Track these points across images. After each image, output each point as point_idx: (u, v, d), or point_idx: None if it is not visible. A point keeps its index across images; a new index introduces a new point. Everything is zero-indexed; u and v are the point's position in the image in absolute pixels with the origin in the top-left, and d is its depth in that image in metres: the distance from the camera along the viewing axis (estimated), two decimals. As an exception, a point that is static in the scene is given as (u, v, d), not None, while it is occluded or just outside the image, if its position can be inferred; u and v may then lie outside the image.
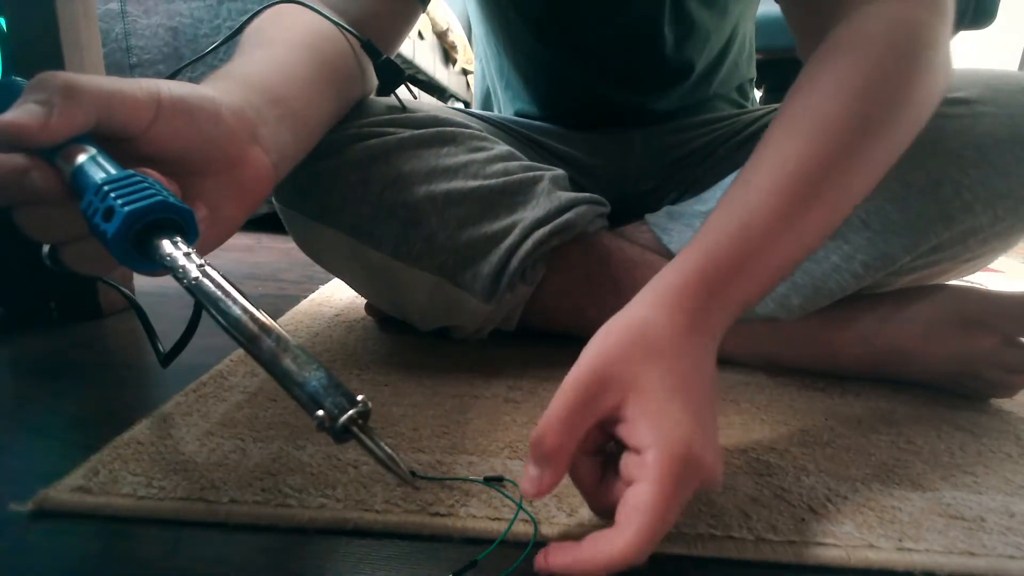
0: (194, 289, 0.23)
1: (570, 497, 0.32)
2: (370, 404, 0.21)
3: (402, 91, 0.54)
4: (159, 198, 0.23)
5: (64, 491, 0.31)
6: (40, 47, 0.57)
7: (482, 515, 0.31)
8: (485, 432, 0.39)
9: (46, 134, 0.24)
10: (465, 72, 2.30)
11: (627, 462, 0.27)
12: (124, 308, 0.65)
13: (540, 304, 0.54)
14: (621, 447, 0.28)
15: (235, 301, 0.22)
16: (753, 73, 0.74)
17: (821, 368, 0.52)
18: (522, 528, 0.30)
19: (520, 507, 0.31)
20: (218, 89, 0.32)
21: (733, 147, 0.62)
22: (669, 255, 0.54)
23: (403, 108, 0.54)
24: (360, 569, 0.28)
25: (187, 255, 0.23)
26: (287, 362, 0.21)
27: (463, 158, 0.51)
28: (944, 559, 0.29)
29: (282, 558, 0.28)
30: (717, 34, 0.64)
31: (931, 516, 0.32)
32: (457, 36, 2.04)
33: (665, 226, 0.56)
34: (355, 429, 0.20)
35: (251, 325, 0.22)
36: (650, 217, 0.58)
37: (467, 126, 0.55)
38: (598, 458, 0.30)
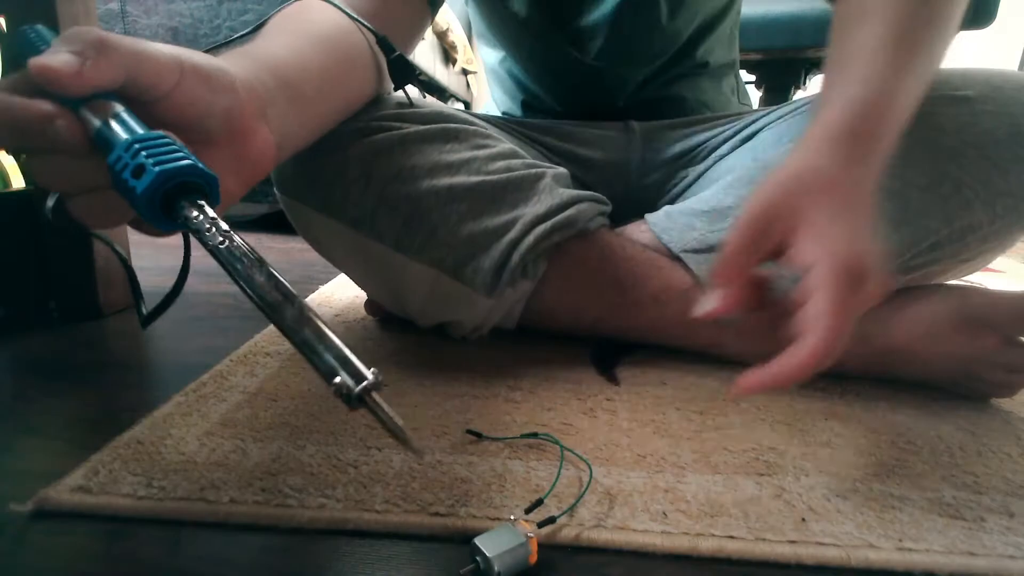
0: (218, 252, 0.23)
1: (570, 498, 0.32)
2: (381, 377, 0.22)
3: (411, 89, 0.55)
4: (189, 162, 0.24)
5: (64, 491, 0.31)
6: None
7: (482, 515, 0.31)
8: (485, 432, 0.39)
9: (78, 82, 0.24)
10: (465, 72, 2.30)
11: (799, 288, 0.31)
12: (124, 308, 0.65)
13: (541, 301, 0.54)
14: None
15: (259, 268, 0.23)
16: (735, 56, 0.77)
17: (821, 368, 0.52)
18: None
19: (563, 452, 0.31)
20: (233, 64, 0.33)
21: (734, 145, 0.63)
22: (669, 254, 0.54)
23: (411, 104, 0.54)
24: (360, 569, 0.28)
25: (212, 220, 0.24)
26: (307, 331, 0.22)
27: (466, 154, 0.51)
28: (944, 559, 0.29)
29: (282, 558, 0.28)
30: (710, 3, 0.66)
31: (931, 516, 0.32)
32: (457, 36, 2.04)
33: (665, 225, 0.56)
34: (368, 399, 0.21)
35: (274, 292, 0.22)
36: (650, 217, 0.58)
37: (471, 123, 0.55)
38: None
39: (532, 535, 0.27)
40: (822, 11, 1.23)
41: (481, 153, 0.52)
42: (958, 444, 0.41)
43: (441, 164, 0.50)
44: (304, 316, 0.22)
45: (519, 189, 0.51)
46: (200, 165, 0.24)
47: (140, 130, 0.25)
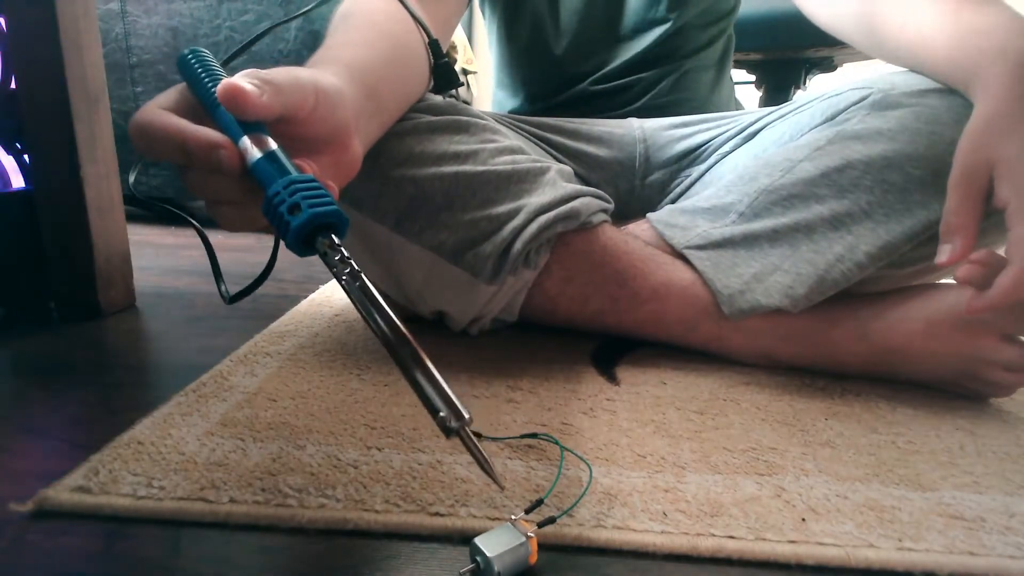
0: (349, 289, 0.28)
1: (570, 498, 0.32)
2: (471, 417, 0.26)
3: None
4: (334, 207, 0.28)
5: (64, 491, 0.31)
6: (40, 47, 0.57)
7: (482, 515, 0.31)
8: (485, 432, 0.39)
9: (260, 108, 0.29)
10: (465, 72, 2.29)
11: (1005, 217, 0.38)
12: (124, 308, 0.65)
13: (542, 293, 0.54)
14: None
15: (381, 307, 0.27)
16: (731, 54, 0.79)
17: (821, 366, 0.52)
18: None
19: (562, 455, 0.31)
20: (336, 75, 0.35)
21: (736, 144, 0.63)
22: (671, 250, 0.55)
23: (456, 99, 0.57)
24: (360, 569, 0.28)
25: (347, 259, 0.28)
26: (419, 371, 0.26)
27: (474, 146, 0.52)
28: (944, 559, 0.29)
29: (282, 558, 0.28)
30: None
31: (931, 516, 0.32)
32: (457, 36, 2.04)
33: (667, 222, 0.56)
34: (463, 433, 0.25)
35: (393, 331, 0.27)
36: (652, 215, 0.59)
37: (481, 118, 0.56)
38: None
39: (532, 535, 0.27)
40: (822, 11, 1.23)
41: (488, 146, 0.53)
42: (958, 444, 0.41)
43: (449, 153, 0.51)
44: (417, 356, 0.26)
45: (524, 180, 0.52)
46: (339, 209, 0.28)
47: (292, 169, 0.29)
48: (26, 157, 0.63)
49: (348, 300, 0.70)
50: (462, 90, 2.35)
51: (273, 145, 0.30)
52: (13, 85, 0.59)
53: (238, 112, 0.29)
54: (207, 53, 0.34)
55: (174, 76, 1.16)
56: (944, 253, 0.40)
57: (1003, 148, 0.38)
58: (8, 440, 0.38)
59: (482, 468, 0.26)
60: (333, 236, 0.28)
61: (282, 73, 0.31)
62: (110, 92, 0.65)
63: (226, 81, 0.28)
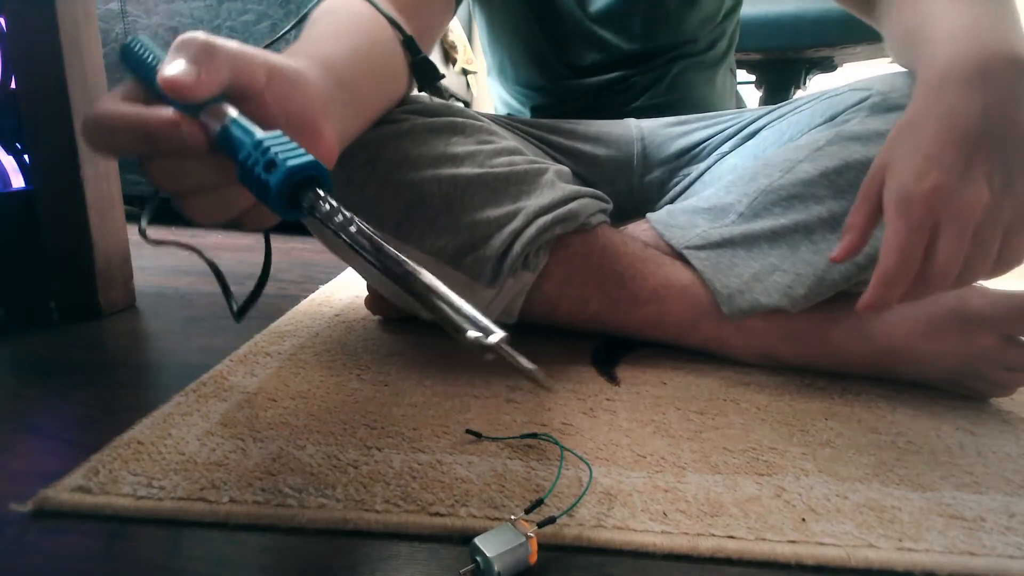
0: (347, 234, 0.26)
1: (570, 498, 0.32)
2: (504, 332, 0.25)
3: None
4: (311, 157, 0.26)
5: (64, 491, 0.31)
6: (40, 47, 0.57)
7: (482, 515, 0.31)
8: (485, 432, 0.39)
9: (200, 89, 0.27)
10: (465, 72, 2.29)
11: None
12: (124, 308, 0.65)
13: (541, 294, 0.54)
14: None
15: (382, 247, 0.26)
16: (733, 52, 0.79)
17: (821, 366, 0.52)
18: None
19: (561, 456, 0.31)
20: (302, 64, 0.34)
21: (735, 144, 0.63)
22: (671, 251, 0.55)
23: (439, 99, 0.56)
24: (360, 569, 0.28)
25: (336, 207, 0.27)
26: (437, 297, 0.26)
27: (471, 148, 0.52)
28: (944, 559, 0.29)
29: (282, 558, 0.28)
30: None
31: (931, 516, 0.32)
32: (457, 36, 2.04)
33: (667, 223, 0.56)
34: (498, 348, 0.25)
35: (401, 266, 0.26)
36: (651, 215, 0.59)
37: (477, 119, 0.56)
38: None
39: (532, 535, 0.27)
40: (822, 11, 1.23)
41: (486, 147, 0.52)
42: (958, 444, 0.41)
43: (446, 155, 0.51)
44: (432, 285, 0.26)
45: (522, 182, 0.52)
46: (318, 161, 0.27)
47: (258, 131, 0.27)
48: (26, 157, 0.63)
49: (347, 300, 0.71)
50: (462, 90, 2.35)
51: (234, 112, 0.28)
52: (13, 85, 0.60)
53: (181, 99, 0.27)
54: (147, 40, 0.32)
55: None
56: (835, 249, 0.40)
57: (893, 153, 0.38)
58: (8, 440, 0.38)
59: (528, 378, 0.26)
60: (318, 189, 0.27)
61: (231, 44, 0.29)
62: (110, 92, 0.65)
63: (160, 74, 0.27)
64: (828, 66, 1.39)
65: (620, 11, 0.69)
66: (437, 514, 0.30)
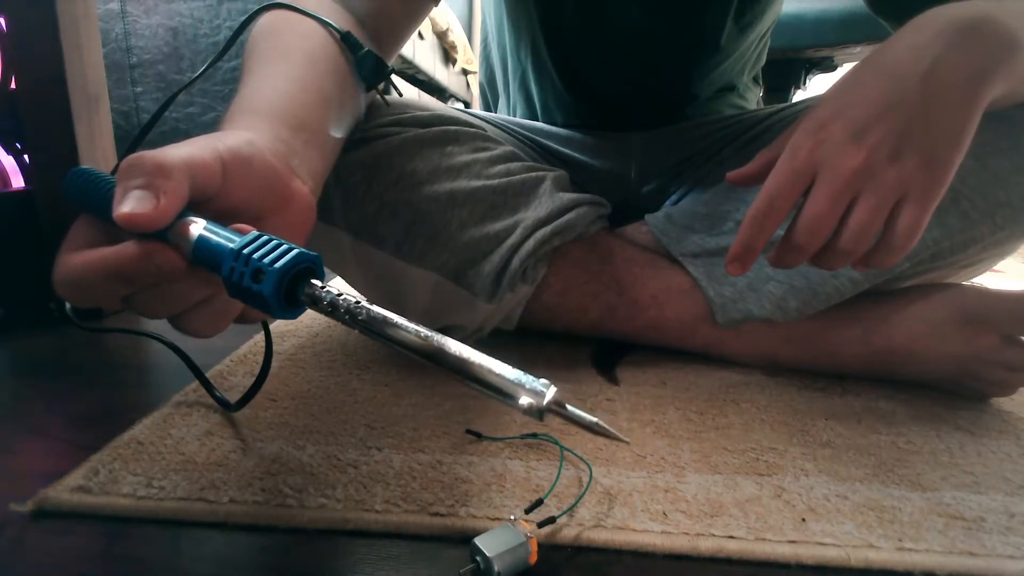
0: (358, 322, 0.24)
1: (570, 498, 0.32)
2: (555, 388, 0.23)
3: (412, 90, 0.54)
4: (296, 251, 0.25)
5: (64, 491, 0.31)
6: (40, 47, 0.57)
7: (482, 515, 0.31)
8: (485, 432, 0.39)
9: (162, 217, 0.25)
10: (465, 72, 2.29)
11: None
12: (124, 308, 0.65)
13: (541, 303, 0.54)
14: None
15: (399, 328, 0.24)
16: (762, 61, 0.75)
17: (821, 367, 0.52)
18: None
19: (561, 455, 0.31)
20: (250, 128, 0.32)
21: (737, 147, 0.62)
22: (668, 255, 0.54)
23: (386, 104, 0.53)
24: (360, 569, 0.28)
25: (337, 295, 0.25)
26: (474, 368, 0.23)
27: (467, 158, 0.51)
28: (944, 559, 0.29)
29: (282, 558, 0.28)
30: (762, 18, 0.65)
31: (931, 516, 0.32)
32: (457, 36, 2.04)
33: (664, 227, 0.56)
34: (556, 409, 0.23)
35: (426, 342, 0.24)
36: (649, 218, 0.58)
37: (471, 125, 0.55)
38: None
39: (532, 535, 0.27)
40: (822, 11, 1.23)
41: (481, 156, 0.52)
42: (958, 444, 0.41)
43: (441, 168, 0.50)
44: (462, 357, 0.23)
45: (519, 193, 0.51)
46: (304, 250, 0.25)
47: (232, 235, 0.25)
48: (26, 157, 0.63)
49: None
50: (462, 90, 2.35)
51: (201, 224, 0.26)
52: (13, 85, 0.60)
53: (145, 231, 0.25)
54: (91, 168, 0.30)
55: (174, 76, 1.16)
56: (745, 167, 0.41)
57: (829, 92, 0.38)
58: (8, 440, 0.38)
59: (596, 433, 0.24)
60: (313, 281, 0.25)
61: (179, 151, 0.26)
62: (110, 92, 0.65)
63: (115, 212, 0.24)
64: (828, 66, 1.39)
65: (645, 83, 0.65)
66: (437, 514, 0.30)
